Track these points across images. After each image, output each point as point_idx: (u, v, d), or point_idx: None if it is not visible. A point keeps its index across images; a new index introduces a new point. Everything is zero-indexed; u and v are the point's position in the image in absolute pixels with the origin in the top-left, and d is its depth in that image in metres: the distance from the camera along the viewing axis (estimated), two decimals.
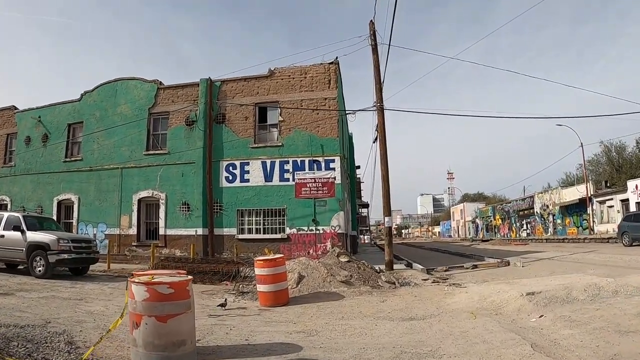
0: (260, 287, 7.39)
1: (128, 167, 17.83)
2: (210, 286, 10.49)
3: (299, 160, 15.24)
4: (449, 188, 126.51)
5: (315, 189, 14.85)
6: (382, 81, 12.55)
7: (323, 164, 14.96)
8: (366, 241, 62.85)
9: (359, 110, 13.37)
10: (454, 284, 9.58)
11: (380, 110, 12.44)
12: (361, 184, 43.76)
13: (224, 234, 15.69)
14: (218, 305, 7.19)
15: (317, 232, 14.64)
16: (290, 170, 15.25)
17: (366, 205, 43.64)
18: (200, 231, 15.69)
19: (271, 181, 15.42)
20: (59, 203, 19.51)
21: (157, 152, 17.45)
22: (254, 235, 15.36)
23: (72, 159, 19.45)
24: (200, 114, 16.50)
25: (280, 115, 15.82)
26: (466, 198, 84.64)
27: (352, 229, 26.00)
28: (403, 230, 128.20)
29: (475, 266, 14.17)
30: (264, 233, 15.35)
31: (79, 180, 18.98)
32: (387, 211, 12.27)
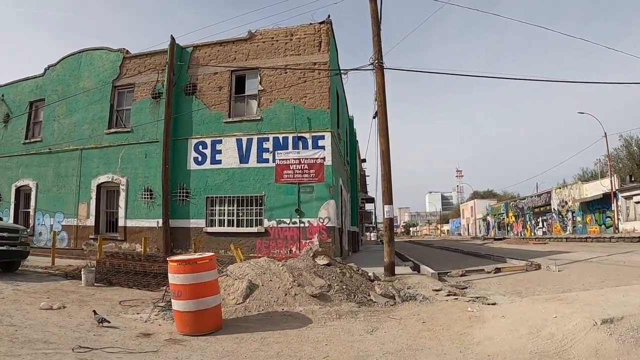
0: (175, 304, 4.71)
1: (88, 148, 15.27)
2: (146, 292, 7.87)
3: (280, 137, 12.50)
4: (457, 186, 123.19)
5: (300, 171, 12.10)
6: (380, 34, 9.75)
7: (310, 142, 12.21)
8: (372, 239, 60.05)
9: (352, 69, 10.61)
10: (478, 297, 6.80)
11: (380, 68, 9.65)
12: (366, 177, 41.02)
13: (191, 226, 13.02)
14: (98, 320, 4.64)
15: (302, 225, 11.90)
16: (270, 149, 12.52)
17: (371, 200, 40.66)
18: (161, 222, 13.06)
19: (247, 162, 12.70)
20: (18, 190, 17.09)
21: (119, 130, 14.85)
22: (225, 229, 12.66)
23: (32, 140, 16.99)
24: (166, 84, 13.84)
25: (260, 83, 13.08)
26: (476, 195, 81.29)
27: (353, 224, 23.21)
28: (411, 228, 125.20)
29: (498, 270, 11.35)
30: (237, 226, 12.64)
31: (38, 164, 16.54)
32: (388, 198, 9.50)
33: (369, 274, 7.29)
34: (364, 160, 41.05)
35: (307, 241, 11.73)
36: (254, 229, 12.26)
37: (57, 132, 16.21)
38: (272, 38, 13.38)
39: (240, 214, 12.68)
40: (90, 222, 14.80)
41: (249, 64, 13.35)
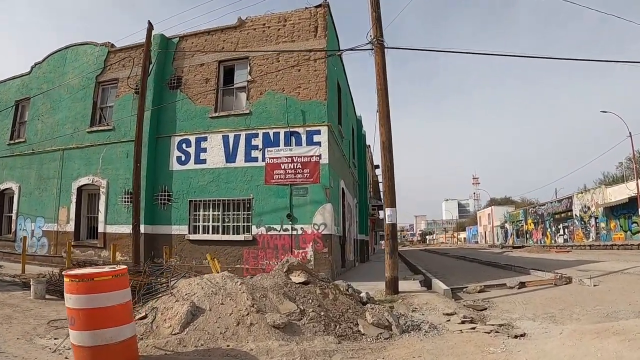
0: (71, 335, 3.31)
1: (70, 148, 14.14)
2: None
3: (271, 132, 11.10)
4: (474, 193, 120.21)
5: (293, 171, 10.66)
6: (379, 4, 8.30)
7: (304, 137, 10.77)
8: None
9: (348, 49, 9.15)
10: (501, 324, 5.24)
11: (379, 47, 8.19)
12: (379, 183, 39.46)
13: (173, 232, 11.68)
14: None
15: (294, 232, 10.41)
16: (260, 146, 11.13)
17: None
18: (141, 228, 11.73)
19: (234, 162, 11.32)
20: (1, 193, 16.11)
21: (101, 128, 13.68)
22: (209, 236, 11.26)
23: (17, 141, 16.01)
24: (150, 77, 12.63)
25: (250, 73, 11.75)
26: (493, 202, 78.61)
27: (362, 232, 21.61)
28: (427, 236, 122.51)
29: (522, 284, 9.68)
30: (223, 233, 11.22)
31: (21, 166, 15.54)
32: (389, 199, 7.98)
33: (361, 295, 5.76)
34: (377, 167, 39.60)
35: (300, 251, 10.26)
36: (241, 237, 10.84)
37: (41, 132, 15.19)
38: (264, 24, 12.06)
39: (226, 220, 11.28)
40: (71, 227, 13.62)
41: (238, 53, 12.05)
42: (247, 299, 4.37)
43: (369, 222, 25.20)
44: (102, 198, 13.02)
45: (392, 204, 8.01)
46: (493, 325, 5.37)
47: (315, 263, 10.03)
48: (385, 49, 8.29)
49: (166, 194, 11.91)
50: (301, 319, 4.38)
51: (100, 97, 14.29)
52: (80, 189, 13.69)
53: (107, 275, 3.34)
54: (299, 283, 5.10)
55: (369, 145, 33.09)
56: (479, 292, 9.24)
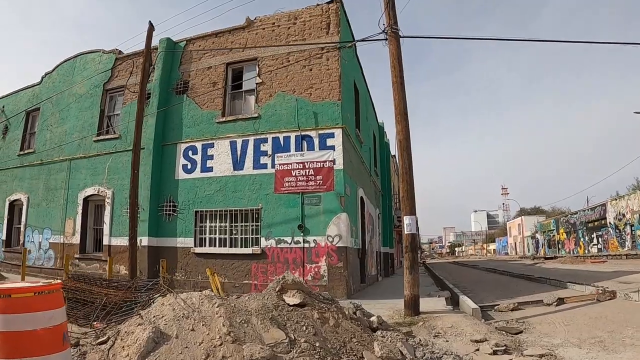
0: None
1: (77, 158, 13.72)
2: (72, 326, 5.71)
3: (281, 136, 10.26)
4: (503, 203, 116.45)
5: (305, 178, 9.77)
6: None
7: (317, 141, 9.88)
8: None
9: (361, 40, 8.25)
10: (542, 355, 4.20)
11: (394, 36, 7.26)
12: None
13: (178, 245, 10.93)
14: None
15: (306, 245, 9.48)
16: (269, 152, 10.30)
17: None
18: (145, 241, 11.05)
19: (242, 169, 10.53)
20: (11, 204, 15.86)
21: (107, 137, 13.20)
22: (216, 249, 10.44)
23: (26, 151, 15.77)
24: (156, 82, 12.09)
25: (259, 75, 11.00)
26: (523, 212, 75.53)
27: (385, 244, 20.36)
28: (456, 248, 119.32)
29: (561, 300, 8.44)
30: (230, 245, 10.39)
31: (30, 177, 15.27)
32: (408, 207, 6.95)
33: (371, 319, 4.77)
34: None
35: (313, 265, 9.30)
36: (249, 250, 9.96)
37: (49, 142, 14.89)
38: (273, 24, 11.33)
39: (234, 232, 10.45)
40: (76, 239, 13.10)
41: (247, 54, 11.34)
42: (223, 325, 3.46)
43: (394, 234, 23.95)
44: (108, 209, 12.46)
45: (412, 211, 6.98)
46: (532, 356, 4.31)
47: (330, 279, 9.06)
48: (401, 39, 7.36)
49: (171, 204, 11.20)
50: (290, 351, 3.44)
51: (107, 105, 13.87)
52: (86, 200, 13.19)
53: (27, 291, 2.52)
54: (293, 305, 4.16)
55: (394, 155, 31.99)
56: (513, 310, 8.09)
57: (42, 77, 16.35)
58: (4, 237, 15.61)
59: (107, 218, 12.40)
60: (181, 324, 3.49)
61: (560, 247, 49.79)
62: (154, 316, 3.72)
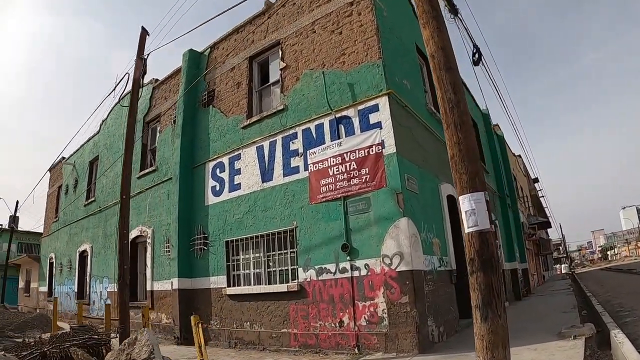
0: None
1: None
2: None
3: (312, 126, 7.55)
4: None
5: (345, 175, 6.83)
6: None
7: (356, 122, 6.95)
8: (563, 271, 47.22)
9: None
10: None
11: None
12: (540, 198, 32.25)
13: (211, 286, 8.66)
14: None
15: (355, 273, 6.40)
16: (301, 150, 7.64)
17: (546, 224, 29.68)
18: (176, 283, 9.06)
19: (271, 179, 7.99)
20: (81, 255, 15.70)
21: (147, 171, 11.98)
22: (250, 288, 7.85)
23: (89, 201, 15.61)
24: (180, 100, 10.53)
25: (283, 59, 8.61)
26: None
27: (511, 259, 15.31)
28: (608, 252, 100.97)
29: None
30: (267, 283, 7.72)
31: (93, 226, 14.98)
32: (465, 175, 3.54)
33: None
34: (535, 180, 32.74)
35: (367, 303, 6.16)
36: (283, 286, 7.20)
37: (105, 188, 14.41)
38: None
39: (271, 263, 7.83)
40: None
41: (268, 41, 9.11)
42: None
43: (525, 244, 18.79)
44: (149, 250, 10.95)
45: (473, 185, 3.54)
46: None
47: (391, 322, 5.81)
48: None
49: (202, 236, 9.12)
50: None
51: (149, 138, 12.82)
52: (134, 243, 11.92)
53: None
54: None
55: (519, 155, 26.74)
56: None
57: (100, 125, 16.31)
58: (75, 289, 15.33)
59: (149, 260, 10.87)
60: None
61: None
62: None
